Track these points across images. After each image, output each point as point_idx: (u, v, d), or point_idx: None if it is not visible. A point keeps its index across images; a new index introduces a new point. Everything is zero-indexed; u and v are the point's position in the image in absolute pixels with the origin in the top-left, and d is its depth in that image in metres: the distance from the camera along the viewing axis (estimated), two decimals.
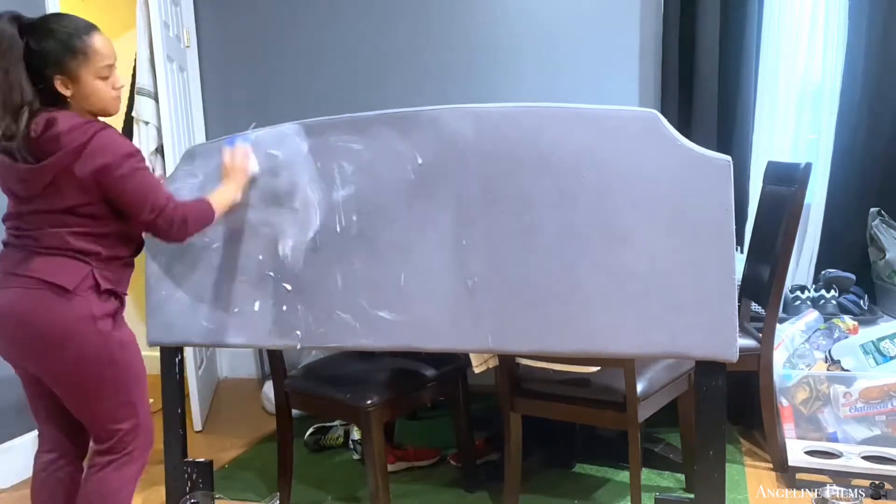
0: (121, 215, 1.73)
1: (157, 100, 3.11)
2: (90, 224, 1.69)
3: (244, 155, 2.01)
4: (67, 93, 1.68)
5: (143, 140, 3.17)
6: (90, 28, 1.69)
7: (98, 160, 1.63)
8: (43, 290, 1.65)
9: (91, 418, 1.78)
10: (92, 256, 1.70)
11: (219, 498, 2.47)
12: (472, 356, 2.31)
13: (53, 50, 1.64)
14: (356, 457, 2.85)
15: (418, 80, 3.44)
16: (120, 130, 3.39)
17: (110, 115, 1.77)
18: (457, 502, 2.50)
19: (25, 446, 2.82)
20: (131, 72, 3.28)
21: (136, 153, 1.70)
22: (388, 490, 2.29)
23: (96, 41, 1.69)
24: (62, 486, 1.87)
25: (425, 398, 2.54)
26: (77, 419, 1.82)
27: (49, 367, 1.72)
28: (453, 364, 2.50)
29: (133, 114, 3.20)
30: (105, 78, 1.71)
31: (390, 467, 2.61)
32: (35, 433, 2.86)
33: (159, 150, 3.17)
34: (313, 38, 3.55)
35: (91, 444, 1.86)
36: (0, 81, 1.61)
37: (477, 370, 2.35)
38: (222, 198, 1.93)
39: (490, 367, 2.35)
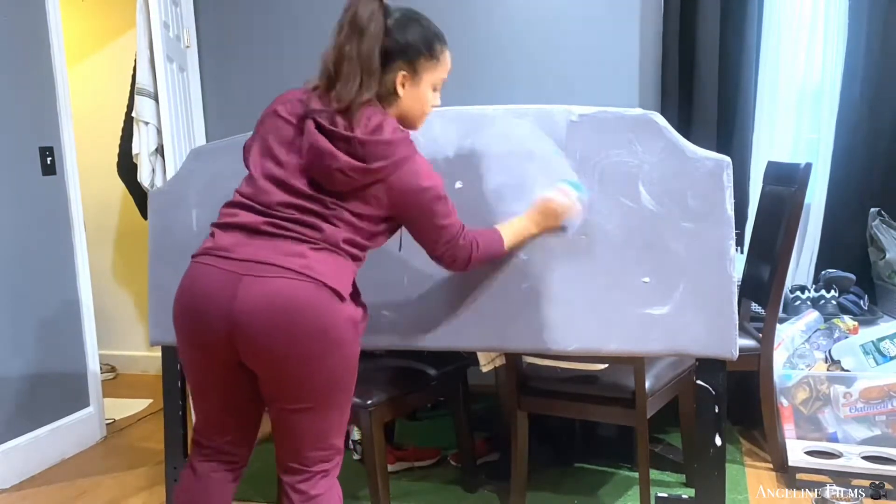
0: (389, 228, 1.65)
1: (157, 100, 3.11)
2: (365, 230, 1.59)
3: (574, 205, 1.80)
4: (401, 91, 1.60)
5: (143, 140, 3.18)
6: (444, 38, 1.65)
7: (413, 182, 1.56)
8: (323, 290, 1.50)
9: (318, 434, 1.59)
10: (357, 262, 1.61)
11: None
12: (479, 355, 2.32)
13: (414, 42, 1.59)
14: (356, 457, 2.85)
15: None
16: (121, 130, 3.45)
17: (414, 129, 1.68)
18: (457, 502, 2.51)
19: (25, 446, 2.83)
20: (131, 72, 3.28)
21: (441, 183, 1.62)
22: (388, 490, 2.29)
23: (447, 53, 1.65)
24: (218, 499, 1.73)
25: (425, 398, 2.54)
26: (282, 435, 1.61)
27: (304, 372, 1.52)
28: (453, 364, 2.50)
29: (133, 114, 3.20)
30: (435, 91, 1.66)
31: (390, 467, 2.61)
32: (34, 433, 2.89)
33: (159, 150, 3.17)
34: (314, 39, 3.54)
35: (288, 476, 1.63)
36: (355, 48, 1.54)
37: (484, 369, 2.35)
38: (518, 233, 1.79)
39: (497, 366, 2.35)
